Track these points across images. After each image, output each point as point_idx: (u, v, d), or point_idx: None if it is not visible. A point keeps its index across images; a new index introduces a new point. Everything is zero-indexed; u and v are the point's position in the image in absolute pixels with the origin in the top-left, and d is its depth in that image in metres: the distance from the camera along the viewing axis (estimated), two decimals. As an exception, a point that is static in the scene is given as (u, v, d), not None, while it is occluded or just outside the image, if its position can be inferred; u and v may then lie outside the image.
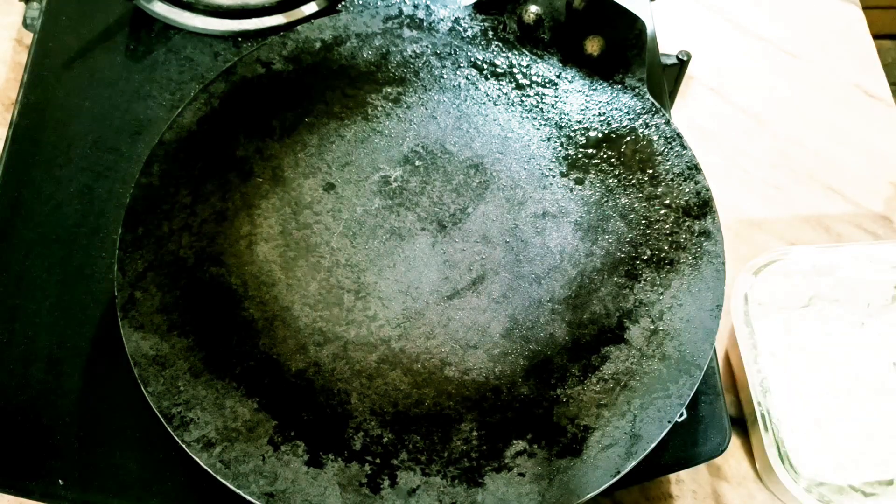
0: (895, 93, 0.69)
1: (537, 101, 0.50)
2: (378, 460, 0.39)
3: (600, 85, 0.50)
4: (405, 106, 0.49)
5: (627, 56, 0.50)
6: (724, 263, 0.44)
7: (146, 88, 0.53)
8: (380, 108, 0.49)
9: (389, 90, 0.50)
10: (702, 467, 0.52)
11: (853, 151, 0.65)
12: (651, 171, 0.47)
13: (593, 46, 0.50)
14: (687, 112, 0.67)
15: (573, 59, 0.51)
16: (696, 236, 0.45)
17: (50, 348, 0.46)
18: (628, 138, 0.48)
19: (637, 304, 0.43)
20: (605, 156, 0.48)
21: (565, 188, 0.47)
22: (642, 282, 0.44)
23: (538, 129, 0.49)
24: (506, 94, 0.50)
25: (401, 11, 0.52)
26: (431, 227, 0.46)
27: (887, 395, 0.53)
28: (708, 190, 0.46)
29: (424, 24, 0.52)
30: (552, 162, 0.48)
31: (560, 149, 0.48)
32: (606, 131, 0.48)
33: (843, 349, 0.54)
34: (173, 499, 0.43)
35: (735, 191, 0.63)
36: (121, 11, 0.56)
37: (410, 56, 0.51)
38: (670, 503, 0.51)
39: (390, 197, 0.47)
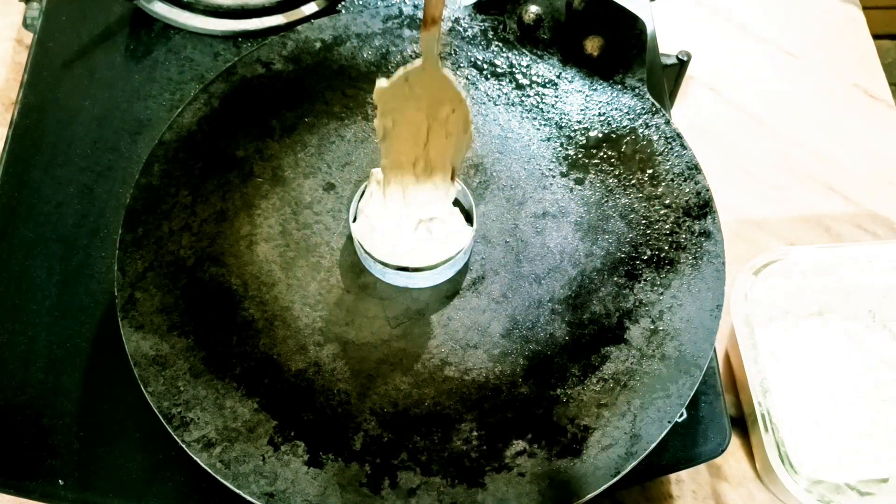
0: (895, 93, 0.69)
1: (537, 101, 0.50)
2: (378, 460, 0.39)
3: (600, 85, 0.50)
4: (405, 106, 0.49)
5: (627, 56, 0.50)
6: (724, 263, 0.44)
7: (146, 88, 0.53)
8: (380, 108, 0.49)
9: (389, 90, 0.50)
10: (702, 467, 0.52)
11: (853, 151, 0.65)
12: (651, 171, 0.47)
13: (593, 46, 0.50)
14: (687, 112, 0.67)
15: (573, 59, 0.51)
16: (696, 236, 0.45)
17: (50, 348, 0.46)
18: (628, 138, 0.48)
19: (637, 304, 0.43)
20: (605, 156, 0.48)
21: (565, 188, 0.47)
22: (642, 282, 0.44)
23: (538, 129, 0.49)
24: (506, 94, 0.50)
25: (401, 11, 0.52)
26: (431, 227, 0.46)
27: (884, 394, 0.53)
28: (708, 190, 0.46)
29: (424, 24, 0.52)
30: (552, 162, 0.48)
31: (560, 149, 0.48)
32: (606, 131, 0.48)
33: (842, 349, 0.54)
34: (173, 499, 0.43)
35: (735, 191, 0.63)
36: (121, 11, 0.56)
37: (410, 56, 0.51)
38: (670, 503, 0.51)
39: (390, 197, 0.47)
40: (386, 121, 0.40)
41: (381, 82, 0.39)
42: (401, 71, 0.38)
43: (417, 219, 0.43)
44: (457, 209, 0.44)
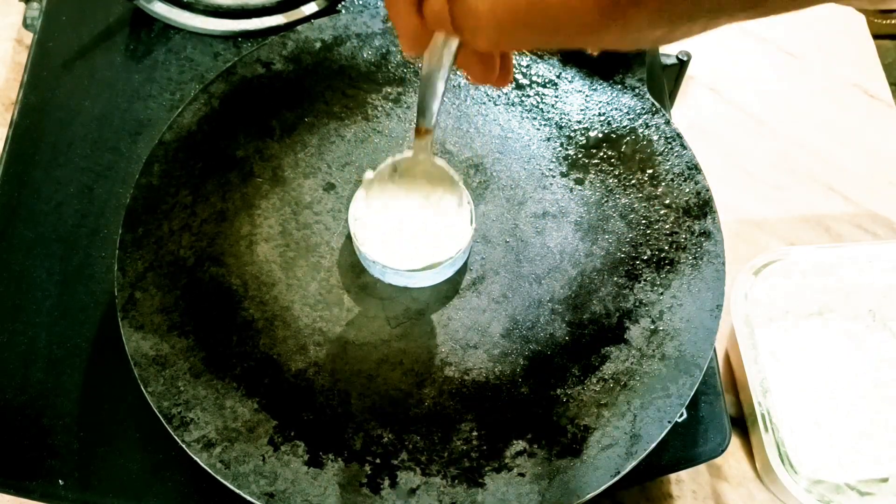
0: (895, 93, 0.69)
1: (537, 101, 0.50)
2: (378, 460, 0.39)
3: (600, 85, 0.50)
4: (405, 106, 0.49)
5: (627, 56, 0.50)
6: (724, 263, 0.44)
7: (146, 88, 0.53)
8: (380, 108, 0.49)
9: (389, 90, 0.50)
10: (702, 467, 0.52)
11: (853, 151, 0.65)
12: (651, 171, 0.47)
13: (593, 46, 0.50)
14: (687, 112, 0.67)
15: (573, 59, 0.51)
16: (696, 236, 0.45)
17: (50, 348, 0.46)
18: (628, 138, 0.48)
19: (637, 304, 0.43)
20: (605, 156, 0.48)
21: (565, 188, 0.47)
22: (642, 282, 0.44)
23: (538, 129, 0.49)
24: (506, 94, 0.50)
25: (401, 11, 0.52)
26: (431, 227, 0.46)
27: (883, 394, 0.53)
28: (708, 190, 0.46)
29: (424, 24, 0.52)
30: (552, 162, 0.48)
31: (560, 149, 0.48)
32: (606, 131, 0.48)
33: (842, 349, 0.54)
34: (173, 499, 0.43)
35: (735, 191, 0.63)
36: (121, 11, 0.56)
37: (410, 56, 0.51)
38: (670, 503, 0.51)
39: (390, 197, 0.47)
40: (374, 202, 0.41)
41: (368, 174, 0.40)
42: (389, 160, 0.39)
43: (418, 206, 0.42)
44: (459, 208, 0.44)
